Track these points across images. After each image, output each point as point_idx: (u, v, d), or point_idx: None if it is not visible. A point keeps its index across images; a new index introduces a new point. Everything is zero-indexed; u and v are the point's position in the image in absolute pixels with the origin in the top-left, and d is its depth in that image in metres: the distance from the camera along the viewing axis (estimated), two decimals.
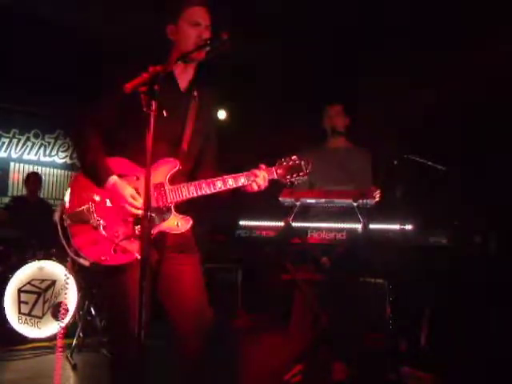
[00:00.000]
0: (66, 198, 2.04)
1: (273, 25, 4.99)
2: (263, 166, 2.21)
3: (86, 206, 2.00)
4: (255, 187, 2.17)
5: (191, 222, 2.10)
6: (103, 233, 1.98)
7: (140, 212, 1.95)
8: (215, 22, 2.16)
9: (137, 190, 2.00)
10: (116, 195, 1.98)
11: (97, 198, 2.01)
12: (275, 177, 2.22)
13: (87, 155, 2.04)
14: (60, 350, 2.23)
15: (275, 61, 5.60)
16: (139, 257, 1.94)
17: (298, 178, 2.26)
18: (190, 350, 2.09)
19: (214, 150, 2.38)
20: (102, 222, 1.98)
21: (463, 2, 4.21)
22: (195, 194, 2.08)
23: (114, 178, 1.98)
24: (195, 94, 2.22)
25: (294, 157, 2.26)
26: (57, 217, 2.02)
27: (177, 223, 2.07)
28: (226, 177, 2.13)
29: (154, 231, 2.02)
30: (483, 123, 4.24)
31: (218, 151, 2.40)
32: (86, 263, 1.99)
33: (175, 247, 2.14)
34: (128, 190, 1.97)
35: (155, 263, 2.10)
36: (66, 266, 2.20)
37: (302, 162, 2.27)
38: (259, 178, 2.16)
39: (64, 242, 1.99)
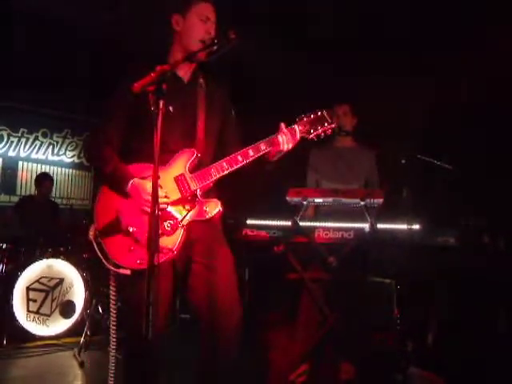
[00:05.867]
0: (95, 216, 2.04)
1: (274, 25, 5.01)
2: (283, 126, 2.13)
3: (115, 216, 2.00)
4: (282, 147, 2.09)
5: (220, 205, 2.06)
6: (136, 237, 1.97)
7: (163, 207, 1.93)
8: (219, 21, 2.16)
9: (160, 187, 1.98)
10: (136, 197, 1.96)
11: (122, 207, 2.01)
12: (298, 134, 2.13)
13: (105, 168, 2.03)
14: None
15: (277, 60, 5.61)
16: (175, 252, 1.97)
17: (324, 129, 2.16)
18: (216, 347, 2.04)
19: (236, 136, 2.31)
20: (132, 228, 1.97)
21: (463, 2, 4.21)
22: (218, 174, 2.05)
23: (133, 181, 1.97)
24: (201, 81, 2.21)
25: (315, 110, 2.18)
26: (91, 236, 2.01)
27: (205, 208, 2.04)
28: (245, 149, 2.08)
29: (184, 222, 2.01)
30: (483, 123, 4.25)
31: (240, 134, 2.32)
32: (127, 272, 1.97)
33: (203, 241, 2.09)
34: (145, 189, 1.94)
35: (181, 261, 2.07)
36: (109, 281, 2.19)
37: (325, 112, 2.18)
38: (283, 140, 2.08)
39: (102, 257, 1.99)
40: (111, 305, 2.20)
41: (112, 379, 2.21)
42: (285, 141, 2.10)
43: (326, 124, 2.17)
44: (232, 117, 2.33)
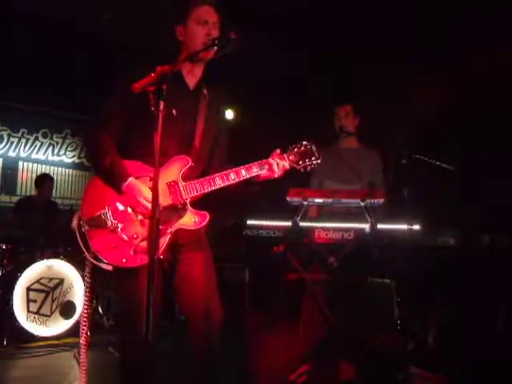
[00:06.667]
0: (82, 205, 2.03)
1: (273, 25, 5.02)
2: (278, 152, 2.21)
3: (103, 210, 1.99)
4: (276, 172, 2.18)
5: (208, 218, 2.09)
6: (122, 235, 1.97)
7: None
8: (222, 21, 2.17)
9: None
10: (131, 197, 1.97)
11: (112, 202, 2.00)
12: (287, 163, 2.22)
13: (103, 160, 2.02)
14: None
15: (279, 61, 5.62)
16: (161, 256, 1.96)
17: (310, 162, 2.26)
18: (201, 348, 2.09)
19: (225, 147, 2.38)
20: (119, 225, 1.97)
21: (463, 1, 4.22)
22: (210, 188, 2.08)
23: (130, 180, 1.98)
24: (205, 92, 2.23)
25: (304, 142, 2.27)
26: (75, 224, 2.00)
27: (193, 219, 2.07)
28: (238, 168, 2.14)
29: (172, 229, 2.03)
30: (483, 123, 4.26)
31: (229, 149, 2.40)
32: (109, 267, 1.97)
33: (188, 245, 2.13)
34: (141, 192, 1.96)
35: (168, 263, 2.10)
36: (85, 271, 2.19)
37: (313, 147, 2.28)
38: (274, 165, 2.16)
39: (83, 248, 1.98)
40: (86, 296, 2.20)
41: (84, 375, 2.20)
42: (276, 167, 2.18)
43: (313, 159, 2.28)
44: (225, 134, 2.38)
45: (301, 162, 2.25)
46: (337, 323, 3.01)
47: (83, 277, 4.69)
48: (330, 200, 3.07)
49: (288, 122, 5.50)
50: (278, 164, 2.18)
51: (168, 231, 2.02)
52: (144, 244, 1.95)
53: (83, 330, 2.22)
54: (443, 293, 3.29)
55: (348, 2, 4.75)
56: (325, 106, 3.81)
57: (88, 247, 1.97)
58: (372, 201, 2.96)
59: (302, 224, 3.03)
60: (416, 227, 2.89)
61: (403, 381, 2.85)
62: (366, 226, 2.92)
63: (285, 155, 2.23)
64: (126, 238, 1.96)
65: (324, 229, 3.00)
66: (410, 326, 3.12)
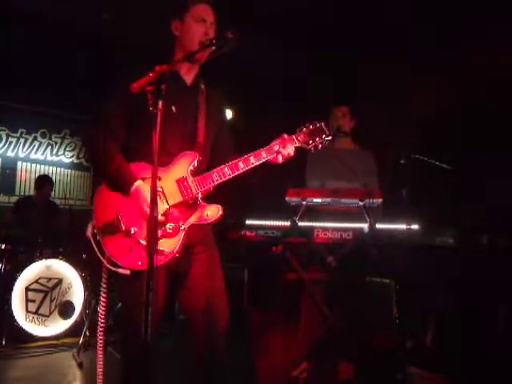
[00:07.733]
0: (94, 213, 2.02)
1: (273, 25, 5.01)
2: (285, 136, 2.19)
3: (114, 216, 1.98)
4: (280, 159, 2.16)
5: (221, 210, 2.07)
6: (136, 239, 1.96)
7: (160, 215, 1.92)
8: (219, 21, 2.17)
9: (161, 189, 1.99)
10: (138, 202, 1.96)
11: (123, 207, 1.99)
12: (297, 144, 2.20)
13: (109, 164, 2.00)
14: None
15: (279, 61, 5.62)
16: (177, 254, 1.98)
17: (321, 140, 2.23)
18: (201, 348, 2.08)
19: (229, 144, 2.35)
20: (132, 228, 1.96)
21: (463, 1, 4.22)
22: (220, 180, 2.07)
23: (137, 183, 1.97)
24: (202, 87, 2.23)
25: (313, 121, 2.25)
26: (89, 233, 2.00)
27: (206, 213, 2.06)
28: (247, 156, 2.11)
29: (185, 225, 2.02)
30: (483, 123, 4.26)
31: (235, 145, 2.37)
32: (126, 272, 1.95)
33: (196, 245, 2.12)
34: (146, 199, 1.92)
35: (174, 262, 2.08)
36: (102, 277, 2.18)
37: (323, 124, 2.25)
38: (283, 149, 2.14)
39: (100, 255, 1.97)
40: (101, 299, 2.18)
41: (101, 377, 2.19)
42: (285, 150, 2.16)
43: (323, 136, 2.24)
44: (227, 123, 2.39)
45: (311, 142, 2.22)
46: (336, 323, 3.00)
47: (82, 277, 4.70)
48: (329, 200, 3.07)
49: (288, 122, 5.48)
50: (287, 148, 2.16)
51: (181, 228, 2.01)
52: (158, 245, 1.93)
53: (100, 332, 2.20)
54: (442, 292, 3.29)
55: (348, 1, 4.75)
56: (325, 105, 3.81)
57: (104, 254, 1.97)
58: (371, 201, 2.96)
59: (300, 224, 3.02)
60: (415, 227, 2.89)
61: (402, 380, 2.85)
62: (365, 226, 2.92)
63: (293, 136, 2.20)
64: (140, 240, 1.95)
65: (323, 228, 3.00)
66: (409, 326, 3.11)
